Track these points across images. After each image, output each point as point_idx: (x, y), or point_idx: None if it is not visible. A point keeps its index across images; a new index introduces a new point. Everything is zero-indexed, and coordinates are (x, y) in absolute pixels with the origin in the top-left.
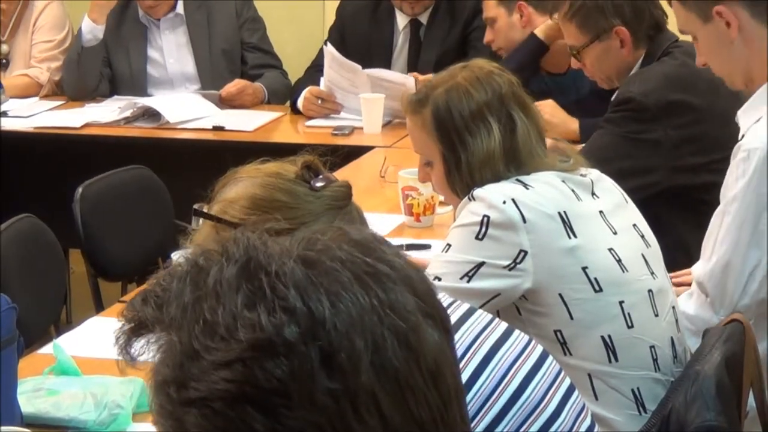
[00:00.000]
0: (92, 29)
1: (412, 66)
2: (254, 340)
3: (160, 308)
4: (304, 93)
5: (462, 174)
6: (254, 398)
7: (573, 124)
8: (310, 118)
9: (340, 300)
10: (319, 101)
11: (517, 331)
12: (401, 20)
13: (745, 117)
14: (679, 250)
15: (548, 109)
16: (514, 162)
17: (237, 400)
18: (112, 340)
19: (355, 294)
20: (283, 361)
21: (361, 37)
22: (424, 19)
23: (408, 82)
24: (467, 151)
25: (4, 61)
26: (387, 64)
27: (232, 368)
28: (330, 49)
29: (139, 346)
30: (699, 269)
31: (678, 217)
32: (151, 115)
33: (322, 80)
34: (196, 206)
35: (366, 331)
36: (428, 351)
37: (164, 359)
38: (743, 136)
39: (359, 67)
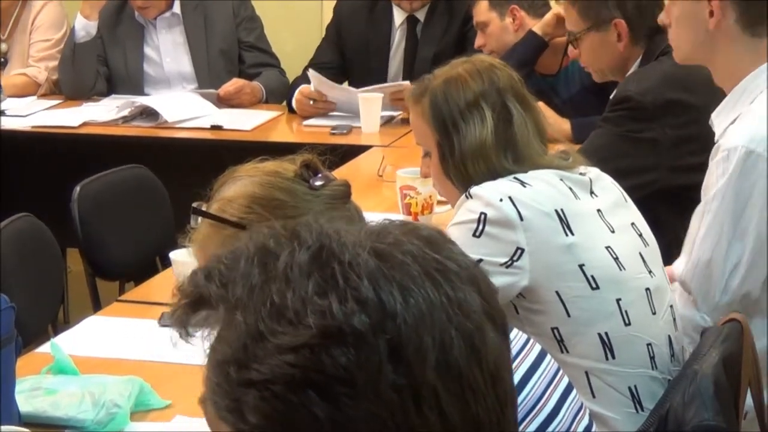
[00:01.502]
0: (85, 26)
1: (409, 63)
2: (324, 326)
3: (225, 287)
4: (296, 94)
5: (455, 161)
6: (318, 384)
7: (565, 124)
8: (305, 117)
9: (411, 294)
10: (311, 101)
11: (515, 331)
12: (398, 17)
13: (719, 119)
14: (677, 249)
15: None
16: (511, 153)
17: (300, 385)
18: (167, 316)
19: (425, 290)
20: (351, 351)
21: (358, 36)
22: (421, 16)
23: (404, 85)
24: (460, 135)
25: (2, 60)
26: (384, 62)
27: (299, 353)
28: (313, 74)
29: (195, 321)
30: (681, 268)
31: (676, 216)
32: (149, 114)
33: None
34: (194, 205)
35: (435, 328)
36: (490, 353)
37: (226, 338)
38: (720, 137)
39: (352, 89)
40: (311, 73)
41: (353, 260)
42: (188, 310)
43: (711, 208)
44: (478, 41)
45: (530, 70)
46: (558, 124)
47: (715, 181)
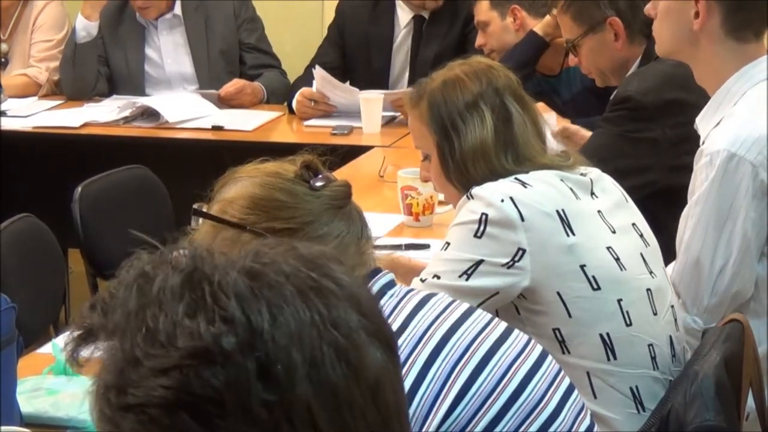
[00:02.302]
0: (85, 26)
1: (412, 62)
2: (192, 348)
3: (105, 315)
4: (297, 96)
5: (456, 162)
6: (190, 406)
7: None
8: (304, 119)
9: (281, 313)
10: (312, 103)
11: (516, 331)
12: (404, 16)
13: (703, 123)
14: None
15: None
16: (511, 153)
17: (173, 407)
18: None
19: (296, 308)
20: (220, 370)
21: (360, 35)
22: (426, 15)
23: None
24: (460, 137)
25: (3, 60)
26: (386, 61)
27: (169, 375)
28: (318, 71)
29: (87, 353)
30: (670, 271)
31: (676, 216)
32: (150, 114)
33: (314, 82)
34: (195, 206)
35: (304, 345)
36: (369, 368)
37: (107, 365)
38: (704, 141)
39: (355, 89)
40: (316, 70)
41: (222, 280)
42: (78, 342)
43: (695, 212)
44: (479, 40)
45: (531, 70)
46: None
47: (699, 184)
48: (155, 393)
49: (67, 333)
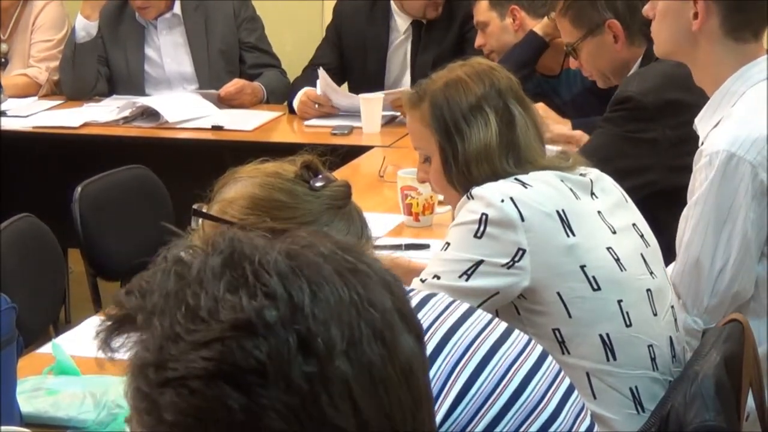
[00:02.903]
0: (85, 26)
1: (412, 67)
2: (234, 320)
3: (143, 297)
4: (300, 96)
5: (459, 165)
6: (231, 376)
7: (566, 125)
8: (305, 119)
9: (320, 290)
10: (316, 105)
11: (516, 331)
12: (402, 22)
13: (702, 124)
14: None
15: (540, 111)
16: (513, 155)
17: (213, 378)
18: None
19: (335, 286)
20: (262, 342)
21: (356, 36)
22: (424, 20)
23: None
24: (464, 140)
25: (3, 60)
26: (382, 63)
27: (211, 347)
28: (323, 74)
29: (120, 342)
30: (670, 271)
31: (676, 216)
32: (150, 114)
33: (319, 83)
34: (195, 206)
35: (343, 321)
36: (402, 351)
37: (144, 343)
38: (703, 142)
39: (353, 95)
40: (321, 72)
41: (263, 259)
42: (111, 328)
43: (695, 212)
44: (478, 41)
45: (531, 70)
46: (559, 124)
47: (699, 185)
48: (196, 365)
49: (100, 320)
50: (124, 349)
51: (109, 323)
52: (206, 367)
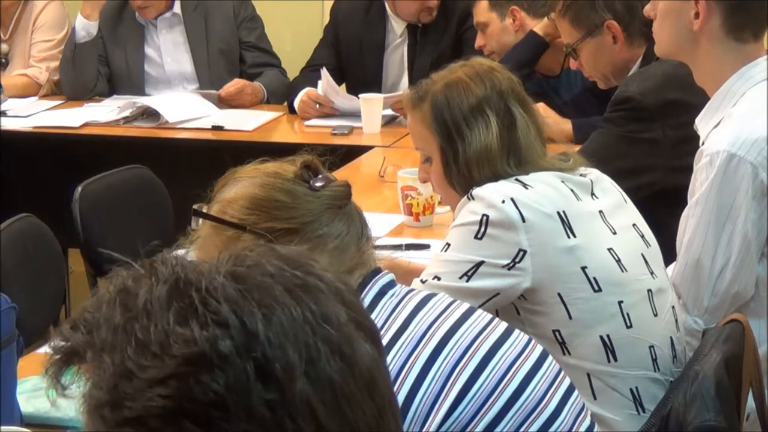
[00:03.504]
0: (85, 26)
1: (410, 70)
2: (189, 354)
3: (90, 333)
4: (301, 95)
5: (460, 167)
6: (191, 412)
7: (566, 124)
8: (306, 119)
9: (273, 312)
10: (317, 105)
11: (516, 331)
12: (398, 25)
13: (702, 124)
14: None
15: (540, 111)
16: (514, 157)
17: (174, 416)
18: (42, 371)
19: (287, 306)
20: (219, 374)
21: (353, 36)
22: (419, 23)
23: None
24: (465, 143)
25: (3, 60)
26: (379, 65)
27: (167, 384)
28: (326, 75)
29: (70, 376)
30: (671, 272)
31: (676, 216)
32: (150, 114)
33: (320, 83)
34: (195, 207)
35: (299, 342)
36: (362, 361)
37: (97, 382)
38: (704, 142)
39: (353, 97)
40: (324, 72)
41: (210, 286)
42: (60, 364)
43: (695, 212)
44: (478, 41)
45: (531, 70)
46: (559, 125)
47: (699, 185)
48: (153, 403)
49: (48, 356)
50: (75, 384)
51: (56, 357)
52: (164, 405)
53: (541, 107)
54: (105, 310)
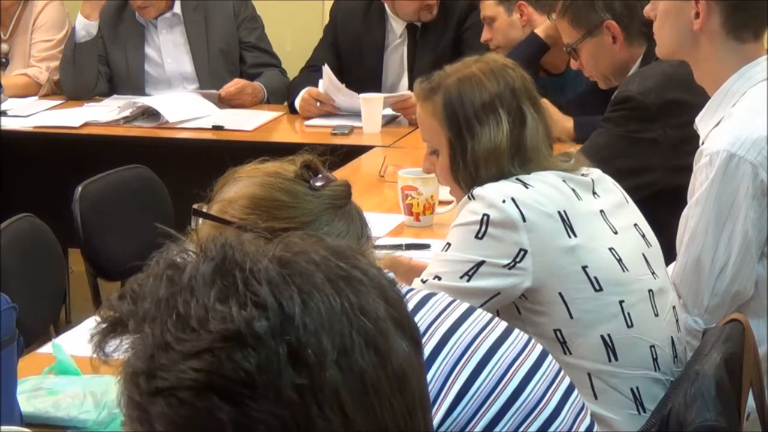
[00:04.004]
0: (85, 25)
1: (410, 70)
2: (224, 331)
3: (135, 303)
4: (302, 94)
5: (467, 164)
6: (221, 388)
7: (568, 122)
8: (307, 118)
9: (311, 299)
10: (318, 103)
11: (516, 331)
12: (398, 25)
13: (702, 124)
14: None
15: None
16: (519, 157)
17: (203, 390)
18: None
19: (326, 295)
20: (251, 353)
21: (353, 36)
22: (419, 22)
23: (407, 95)
24: (474, 139)
25: (3, 60)
26: (379, 65)
27: (201, 358)
28: (327, 72)
29: (114, 345)
30: (671, 271)
31: (677, 216)
32: (150, 114)
33: (321, 82)
34: (195, 206)
35: (334, 330)
36: (395, 357)
37: (136, 352)
38: (703, 141)
39: (354, 93)
40: (325, 69)
41: (254, 267)
42: (105, 332)
43: (695, 212)
44: (485, 35)
45: (533, 71)
46: (561, 122)
47: (699, 185)
48: (186, 376)
49: (93, 324)
50: (118, 352)
51: (102, 326)
52: (196, 378)
53: (545, 104)
54: (152, 282)
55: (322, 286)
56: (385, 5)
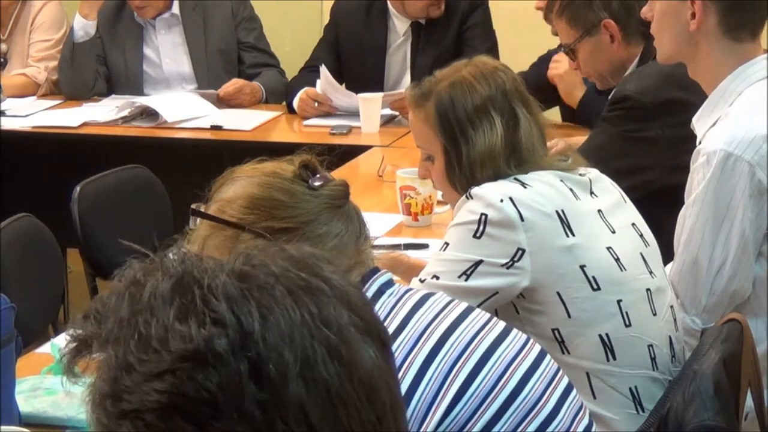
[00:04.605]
0: (83, 25)
1: (412, 68)
2: (184, 351)
3: (99, 324)
4: (300, 94)
5: (462, 168)
6: (184, 409)
7: (579, 91)
8: (305, 118)
9: (271, 313)
10: (316, 103)
11: (515, 330)
12: (401, 24)
13: (699, 123)
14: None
15: (563, 66)
16: (515, 158)
17: (167, 411)
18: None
19: (286, 307)
20: (212, 372)
21: (354, 36)
22: (423, 20)
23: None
24: (469, 145)
25: (2, 60)
26: (381, 65)
27: (163, 379)
28: (325, 72)
29: (83, 364)
30: (669, 271)
31: (675, 215)
32: (149, 114)
33: (319, 81)
34: (193, 206)
35: (295, 344)
36: (361, 365)
37: (102, 374)
38: (701, 141)
39: (352, 93)
40: (323, 70)
41: (212, 283)
42: (73, 353)
43: (692, 212)
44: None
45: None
46: (574, 86)
47: (696, 184)
48: (149, 398)
49: (63, 344)
50: (88, 372)
51: (71, 346)
52: (159, 399)
53: (566, 64)
54: (114, 301)
55: (281, 299)
56: (389, 4)
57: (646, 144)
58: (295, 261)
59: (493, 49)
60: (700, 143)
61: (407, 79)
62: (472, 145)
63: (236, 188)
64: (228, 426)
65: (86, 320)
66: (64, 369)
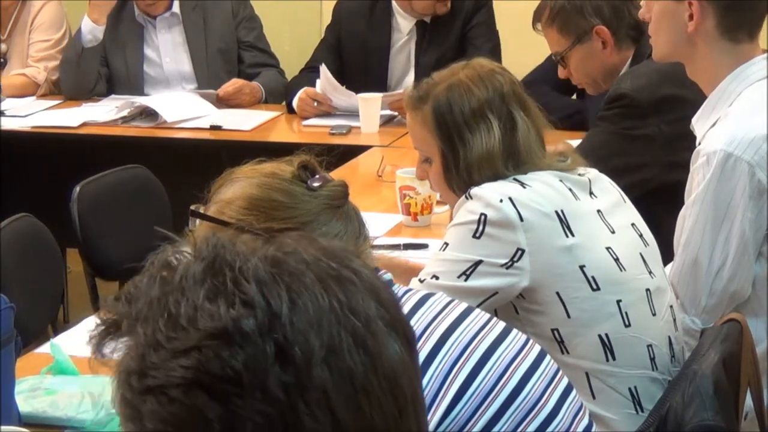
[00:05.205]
0: (92, 30)
1: (417, 67)
2: (212, 329)
3: (129, 304)
4: (299, 94)
5: (460, 171)
6: (208, 385)
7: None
8: (304, 118)
9: (300, 298)
10: (315, 103)
11: (514, 331)
12: (405, 23)
13: (699, 124)
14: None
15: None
16: (513, 161)
17: (192, 387)
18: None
19: (315, 293)
20: (239, 351)
21: (357, 38)
22: (427, 19)
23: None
24: (466, 148)
25: (1, 60)
26: (384, 65)
27: (189, 356)
28: (325, 72)
29: (112, 346)
30: (669, 271)
31: (674, 214)
32: (148, 114)
33: (318, 81)
34: (192, 207)
35: (323, 330)
36: (386, 358)
37: (130, 352)
38: (700, 142)
39: (352, 93)
40: (323, 69)
41: (243, 266)
42: (102, 334)
43: (692, 212)
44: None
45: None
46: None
47: (696, 185)
48: (174, 373)
49: (92, 325)
50: (116, 353)
51: (100, 328)
52: (184, 375)
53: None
54: (146, 283)
55: (311, 285)
56: (393, 3)
57: (643, 141)
58: (327, 251)
59: (495, 49)
60: (699, 144)
61: (411, 78)
62: (470, 149)
63: (235, 189)
64: (251, 405)
65: (117, 301)
66: (92, 349)
